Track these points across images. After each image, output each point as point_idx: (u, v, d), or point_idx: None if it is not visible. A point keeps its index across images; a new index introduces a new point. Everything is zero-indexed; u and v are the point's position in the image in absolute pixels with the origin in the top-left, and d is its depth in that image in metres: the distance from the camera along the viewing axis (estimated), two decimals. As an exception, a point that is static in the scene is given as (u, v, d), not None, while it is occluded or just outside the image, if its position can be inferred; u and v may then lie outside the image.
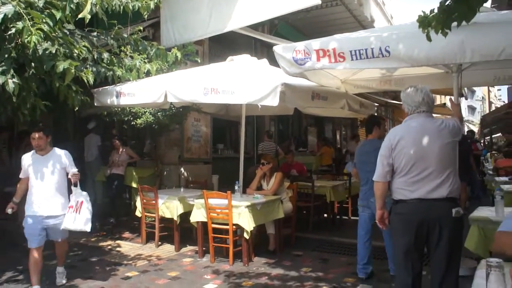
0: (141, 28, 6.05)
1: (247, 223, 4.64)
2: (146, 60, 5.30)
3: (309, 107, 5.27)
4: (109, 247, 5.71)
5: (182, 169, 7.72)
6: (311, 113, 7.23)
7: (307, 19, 10.03)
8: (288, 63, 3.73)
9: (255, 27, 7.95)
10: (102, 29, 5.07)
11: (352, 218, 7.46)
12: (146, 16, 5.11)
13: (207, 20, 6.71)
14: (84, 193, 4.08)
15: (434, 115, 3.03)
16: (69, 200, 4.05)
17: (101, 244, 5.86)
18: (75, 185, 4.05)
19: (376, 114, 7.07)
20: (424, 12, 2.79)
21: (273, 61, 4.37)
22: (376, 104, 7.44)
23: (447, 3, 2.65)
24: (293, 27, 10.72)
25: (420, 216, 2.67)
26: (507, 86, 24.44)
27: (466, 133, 13.18)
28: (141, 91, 5.21)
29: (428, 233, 2.67)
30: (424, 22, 2.77)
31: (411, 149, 2.71)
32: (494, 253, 2.14)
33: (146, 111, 6.49)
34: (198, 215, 5.06)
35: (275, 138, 10.30)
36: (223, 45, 8.76)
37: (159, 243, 5.69)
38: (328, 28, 10.04)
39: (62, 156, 4.11)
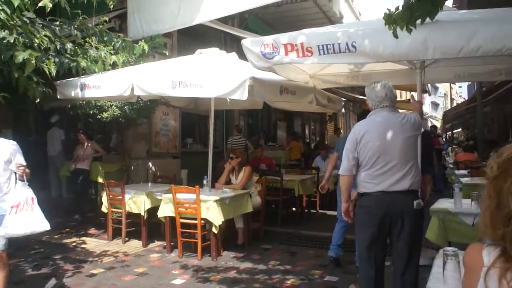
0: (107, 18, 5.87)
1: (216, 217, 4.62)
2: (112, 52, 5.16)
3: (278, 102, 5.29)
4: (74, 244, 5.56)
5: (150, 164, 7.60)
6: (280, 107, 7.27)
7: (277, 14, 10.06)
8: (256, 57, 3.72)
9: (225, 20, 7.90)
10: (65, 19, 4.89)
11: (320, 211, 7.60)
12: (112, 6, 4.97)
13: (176, 12, 6.60)
14: (30, 189, 3.33)
15: (400, 110, 3.13)
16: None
17: (65, 241, 5.69)
18: (21, 180, 3.24)
19: (343, 109, 7.17)
20: (389, 10, 2.85)
21: (243, 55, 4.35)
22: (343, 99, 7.57)
23: (412, 0, 2.72)
24: (263, 21, 10.72)
25: (383, 209, 2.74)
26: (467, 83, 25.44)
27: (429, 128, 13.64)
28: (107, 84, 5.08)
29: (391, 225, 2.75)
30: (390, 19, 2.84)
31: (376, 142, 2.77)
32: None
33: (113, 105, 6.34)
34: (166, 210, 5.00)
35: (244, 133, 10.30)
36: (192, 38, 8.65)
37: (126, 239, 5.59)
38: (298, 23, 10.10)
39: (5, 146, 3.28)
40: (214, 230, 4.68)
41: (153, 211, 5.35)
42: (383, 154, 2.76)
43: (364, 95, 3.12)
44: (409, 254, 2.74)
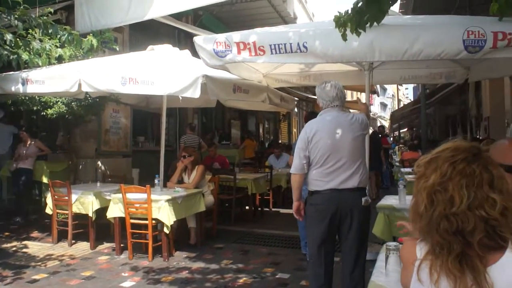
0: (52, 10, 5.58)
1: (167, 217, 4.54)
2: (58, 45, 4.91)
3: (231, 100, 5.30)
4: (14, 248, 5.23)
5: (99, 163, 7.33)
6: (233, 106, 7.27)
7: (232, 12, 10.03)
8: (208, 55, 3.70)
9: (178, 16, 7.77)
10: (5, 8, 4.59)
11: (273, 209, 7.69)
12: (57, -3, 4.73)
13: (127, 6, 6.41)
14: None
15: (351, 110, 3.23)
16: None
17: (4, 246, 5.35)
18: None
19: (296, 108, 7.29)
20: (339, 13, 2.93)
21: (196, 52, 4.30)
22: (296, 99, 7.70)
23: (359, 4, 2.81)
24: (218, 19, 10.65)
25: (333, 206, 2.81)
26: (412, 85, 26.72)
27: (377, 128, 14.18)
28: (52, 79, 4.83)
29: (340, 222, 2.82)
30: (340, 22, 2.92)
31: (327, 141, 2.83)
32: None
33: (59, 101, 6.04)
34: (115, 211, 4.84)
35: (198, 131, 10.19)
36: (144, 34, 8.43)
37: (73, 241, 5.34)
38: (253, 22, 10.14)
39: None
40: (166, 230, 4.60)
41: (102, 212, 5.16)
42: (333, 152, 2.82)
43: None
44: (358, 250, 2.83)
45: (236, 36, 3.58)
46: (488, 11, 2.81)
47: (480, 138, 11.76)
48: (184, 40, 9.58)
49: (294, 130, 17.73)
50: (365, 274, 2.91)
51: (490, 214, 1.07)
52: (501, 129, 11.16)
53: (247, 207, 7.20)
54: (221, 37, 3.65)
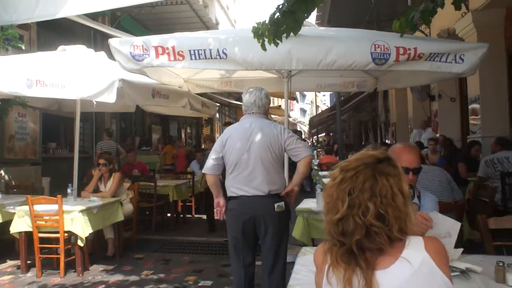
0: None
1: (82, 229, 4.25)
2: (-50, 41, 4.38)
3: (150, 105, 5.14)
4: None
5: (2, 172, 6.64)
6: (153, 111, 7.07)
7: (151, 15, 9.77)
8: (125, 58, 3.55)
9: (94, 16, 7.37)
10: None
11: (196, 216, 7.59)
12: None
13: (35, 1, 5.91)
14: None
15: (273, 116, 3.30)
16: None
17: None
18: None
19: (217, 114, 7.30)
20: (257, 23, 2.99)
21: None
22: (217, 104, 7.71)
23: (276, 16, 2.90)
24: (137, 21, 10.31)
25: (246, 212, 2.85)
26: (329, 93, 28.23)
27: (296, 133, 14.62)
28: None
29: (255, 227, 2.87)
30: (258, 32, 2.98)
31: (237, 147, 2.86)
32: None
33: (-49, 103, 5.38)
34: (20, 225, 4.41)
35: (116, 137, 9.74)
36: (56, 33, 7.86)
37: (-31, 261, 4.78)
38: (174, 26, 9.97)
39: None
40: (80, 243, 4.30)
41: (4, 226, 4.68)
42: (244, 159, 2.84)
43: (240, 100, 3.22)
44: (275, 254, 2.88)
45: (154, 40, 3.48)
46: (392, 27, 3.07)
47: (388, 142, 12.78)
48: (100, 42, 9.10)
49: (217, 135, 17.74)
50: (285, 275, 2.99)
51: (364, 219, 1.16)
52: (406, 134, 12.26)
53: (168, 215, 7.02)
54: (139, 40, 3.53)
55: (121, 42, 3.61)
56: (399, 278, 1.13)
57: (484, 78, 7.35)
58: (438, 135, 9.41)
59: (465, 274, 1.80)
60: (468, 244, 3.68)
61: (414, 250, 1.16)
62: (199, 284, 4.13)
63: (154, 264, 4.80)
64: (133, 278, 4.30)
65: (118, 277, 4.31)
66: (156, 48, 3.43)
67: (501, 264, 1.75)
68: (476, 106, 7.75)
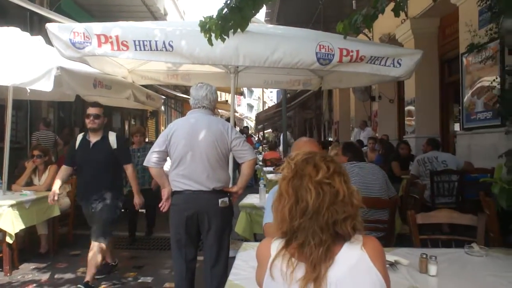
0: None
1: (11, 225, 3.98)
2: None
3: (91, 95, 4.91)
4: None
5: None
6: (94, 101, 6.76)
7: (96, 0, 9.32)
8: (64, 45, 3.36)
9: (31, -3, 6.90)
10: None
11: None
12: None
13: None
14: None
15: (220, 111, 3.29)
16: None
17: None
18: None
19: (163, 106, 7.15)
20: (204, 18, 2.96)
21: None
22: (163, 97, 7.55)
23: (224, 11, 2.88)
24: (80, 6, 9.77)
25: (190, 207, 2.83)
26: (276, 89, 28.62)
27: (242, 128, 14.77)
28: None
29: (199, 223, 2.86)
30: (205, 27, 2.95)
31: (183, 142, 2.83)
32: None
33: None
34: None
35: (54, 127, 9.21)
36: (-15, 13, 7.25)
37: None
38: (119, 14, 9.58)
39: None
40: (9, 239, 4.02)
41: None
42: (189, 154, 2.82)
43: (187, 94, 3.17)
44: (218, 249, 2.89)
45: (97, 27, 3.33)
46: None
47: (331, 140, 13.23)
48: (38, 25, 8.52)
49: (162, 128, 17.37)
50: (227, 270, 3.01)
51: (358, 202, 1.25)
52: (347, 133, 12.76)
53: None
54: (80, 27, 3.36)
55: (60, 28, 3.41)
56: (337, 272, 1.19)
57: (419, 82, 7.85)
58: (376, 134, 9.90)
59: (393, 266, 1.92)
60: (400, 238, 3.93)
61: (354, 247, 1.22)
62: (139, 280, 4.05)
63: (92, 260, 4.62)
64: (68, 276, 4.11)
65: (51, 275, 4.11)
66: (98, 36, 3.28)
67: (424, 256, 1.89)
68: (411, 108, 8.25)
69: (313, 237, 1.20)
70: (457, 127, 7.56)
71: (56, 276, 4.09)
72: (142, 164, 4.34)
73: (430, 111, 8.00)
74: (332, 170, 1.26)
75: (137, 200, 3.94)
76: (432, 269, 1.85)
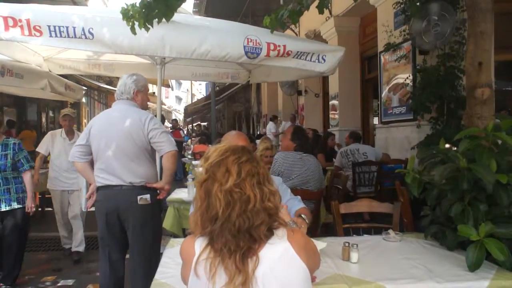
0: None
1: None
2: None
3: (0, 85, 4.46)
4: None
5: None
6: (3, 91, 6.17)
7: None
8: (-37, 28, 2.99)
9: None
10: None
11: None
12: None
13: None
14: None
15: (149, 103, 3.13)
16: None
17: None
18: None
19: (84, 98, 6.73)
20: (127, 5, 2.81)
21: None
22: (84, 88, 7.10)
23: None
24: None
25: (110, 203, 2.70)
26: (205, 82, 28.38)
27: (171, 121, 14.43)
28: None
29: (120, 220, 2.73)
30: (127, 14, 2.80)
31: (99, 135, 2.71)
32: None
33: None
34: None
35: (-45, 119, 8.24)
36: None
37: None
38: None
39: None
40: None
41: None
42: (106, 147, 2.69)
43: (111, 85, 3.00)
44: (143, 246, 2.76)
45: (3, 9, 2.99)
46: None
47: (260, 134, 13.43)
48: None
49: (84, 120, 16.38)
50: (154, 269, 2.90)
51: (274, 204, 1.23)
52: (276, 126, 13.03)
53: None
54: (-19, 7, 3.01)
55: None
56: (263, 269, 1.20)
57: (342, 78, 8.25)
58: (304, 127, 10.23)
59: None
60: (326, 226, 4.11)
61: (278, 242, 1.23)
62: (59, 284, 3.79)
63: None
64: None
65: None
66: (5, 18, 2.96)
67: (346, 244, 1.99)
68: (335, 102, 8.64)
69: (227, 243, 1.19)
70: (376, 120, 8.07)
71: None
72: None
73: (352, 106, 8.45)
74: (244, 174, 1.22)
75: None
76: (354, 256, 1.94)
